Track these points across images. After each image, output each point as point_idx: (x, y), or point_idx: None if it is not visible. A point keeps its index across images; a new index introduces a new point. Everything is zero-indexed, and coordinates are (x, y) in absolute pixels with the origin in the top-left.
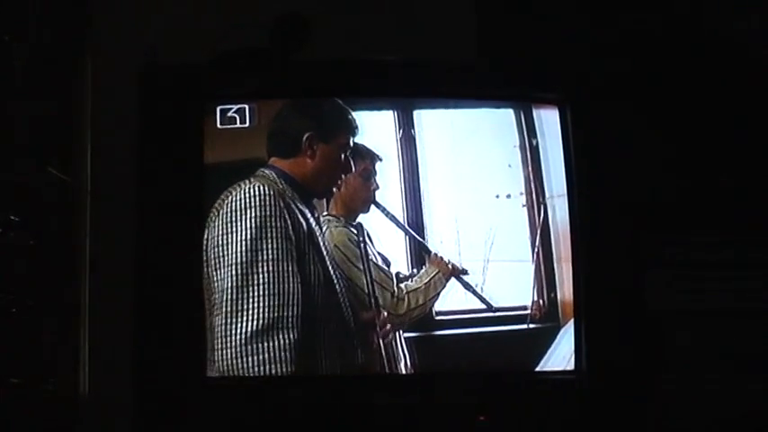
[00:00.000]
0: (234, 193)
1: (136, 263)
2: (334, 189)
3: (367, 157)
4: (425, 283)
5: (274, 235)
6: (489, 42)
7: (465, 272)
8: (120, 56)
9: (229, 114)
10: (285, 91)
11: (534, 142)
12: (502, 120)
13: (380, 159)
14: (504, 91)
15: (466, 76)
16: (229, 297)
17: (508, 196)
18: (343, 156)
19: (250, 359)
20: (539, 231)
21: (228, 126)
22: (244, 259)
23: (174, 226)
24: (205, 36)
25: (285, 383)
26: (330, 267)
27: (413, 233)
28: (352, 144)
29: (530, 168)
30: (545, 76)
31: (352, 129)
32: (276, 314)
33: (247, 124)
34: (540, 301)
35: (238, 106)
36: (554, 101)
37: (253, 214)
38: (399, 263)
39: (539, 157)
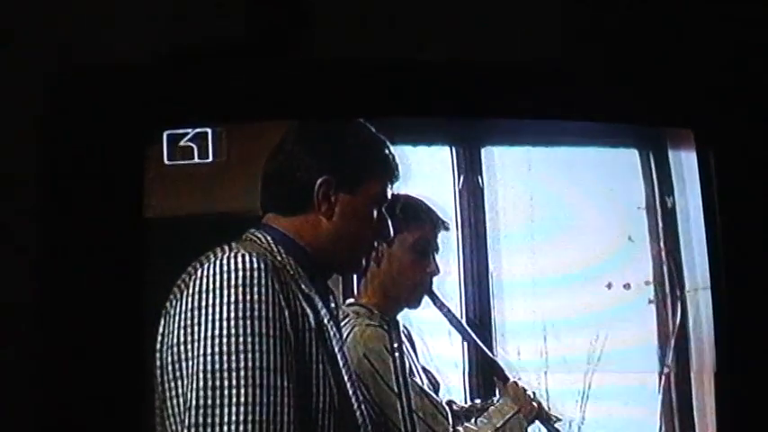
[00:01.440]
0: (206, 266)
1: (40, 380)
2: (363, 264)
3: (425, 220)
4: (497, 429)
5: (264, 331)
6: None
7: (557, 418)
8: (23, 54)
9: (183, 143)
10: (278, 108)
11: (670, 202)
12: (621, 165)
13: (447, 227)
14: (631, 117)
15: (567, 93)
16: (192, 422)
17: (627, 287)
18: (375, 212)
19: None
20: (672, 345)
21: (181, 162)
22: (215, 366)
23: (99, 319)
24: (150, 25)
25: None
26: (348, 385)
27: (476, 339)
28: (389, 194)
29: (662, 243)
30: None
31: (390, 171)
32: None
33: (210, 158)
34: None
35: (197, 131)
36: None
37: (232, 297)
38: (454, 387)
39: (676, 225)
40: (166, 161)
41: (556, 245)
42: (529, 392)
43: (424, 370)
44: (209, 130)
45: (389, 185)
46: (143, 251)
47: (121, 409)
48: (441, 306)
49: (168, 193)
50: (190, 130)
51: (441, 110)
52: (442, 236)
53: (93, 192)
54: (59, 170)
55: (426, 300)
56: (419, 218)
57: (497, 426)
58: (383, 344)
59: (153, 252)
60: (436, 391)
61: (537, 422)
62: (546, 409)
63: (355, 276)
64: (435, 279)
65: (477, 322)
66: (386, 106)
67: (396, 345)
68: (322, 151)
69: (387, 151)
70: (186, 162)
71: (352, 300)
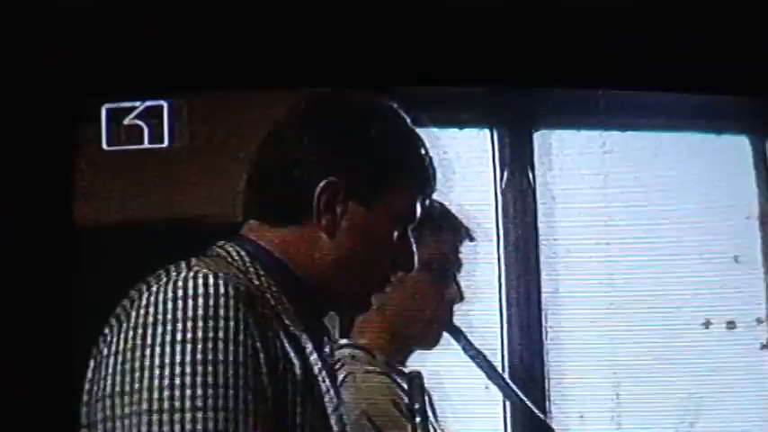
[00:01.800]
0: (153, 292)
1: None
2: (372, 303)
3: (445, 230)
4: None
5: (231, 382)
6: None
7: None
8: None
9: (128, 121)
10: (261, 73)
11: None
12: (725, 159)
13: (471, 238)
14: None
15: (656, 53)
16: None
17: (731, 325)
18: (397, 234)
19: None
20: None
21: (127, 147)
22: (162, 429)
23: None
24: None
25: None
26: None
27: (523, 398)
28: (419, 211)
29: None
30: None
31: (423, 178)
32: None
33: (165, 142)
34: None
35: (148, 105)
36: None
37: (189, 335)
38: None
39: None
40: (105, 146)
41: (634, 269)
42: None
43: None
44: (164, 104)
45: (420, 200)
46: (72, 269)
47: None
48: (467, 347)
49: (108, 191)
50: (138, 104)
51: (479, 76)
52: (467, 250)
53: (13, 184)
54: None
55: (447, 338)
56: (435, 226)
57: None
58: (390, 398)
59: (85, 270)
60: None
61: None
62: None
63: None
64: (459, 309)
65: (524, 372)
66: (404, 69)
67: (408, 400)
68: (332, 142)
69: (423, 152)
70: (133, 147)
71: (345, 340)
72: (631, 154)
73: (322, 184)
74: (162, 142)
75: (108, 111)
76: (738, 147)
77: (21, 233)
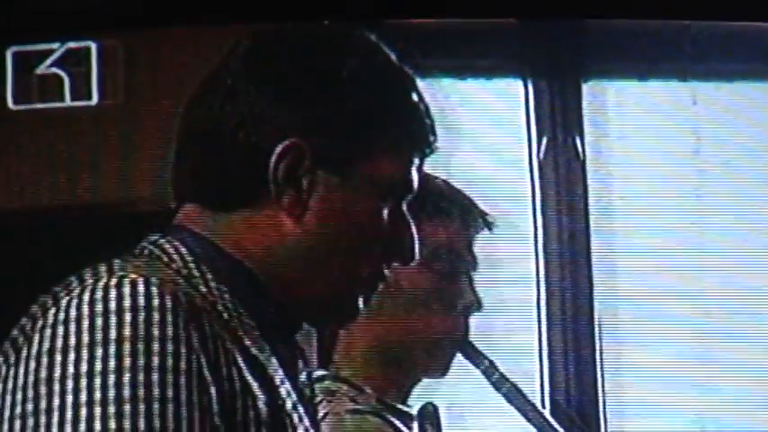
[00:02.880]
0: (62, 305)
1: None
2: (361, 306)
3: (452, 214)
4: None
5: (171, 426)
6: None
7: None
8: None
9: (43, 70)
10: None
11: None
12: None
13: (489, 225)
14: None
15: None
16: None
17: None
18: (388, 212)
19: None
20: None
21: (40, 105)
22: None
23: None
24: None
25: None
26: None
27: None
28: (416, 180)
29: None
30: None
31: (418, 134)
32: None
33: (94, 100)
34: None
35: (69, 46)
36: None
37: (111, 364)
38: None
39: None
40: (11, 104)
41: (714, 260)
42: None
43: None
44: (92, 45)
45: (416, 163)
46: None
47: None
48: (489, 370)
49: (9, 165)
50: (56, 45)
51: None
52: (483, 238)
53: None
54: None
55: (462, 362)
56: (439, 212)
57: None
58: None
59: None
60: None
61: None
62: None
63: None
64: (489, 325)
65: (571, 409)
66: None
67: None
68: (291, 93)
69: (415, 96)
70: (48, 106)
71: (323, 371)
72: (713, 111)
73: (279, 150)
74: (89, 98)
75: (15, 55)
76: None
77: None
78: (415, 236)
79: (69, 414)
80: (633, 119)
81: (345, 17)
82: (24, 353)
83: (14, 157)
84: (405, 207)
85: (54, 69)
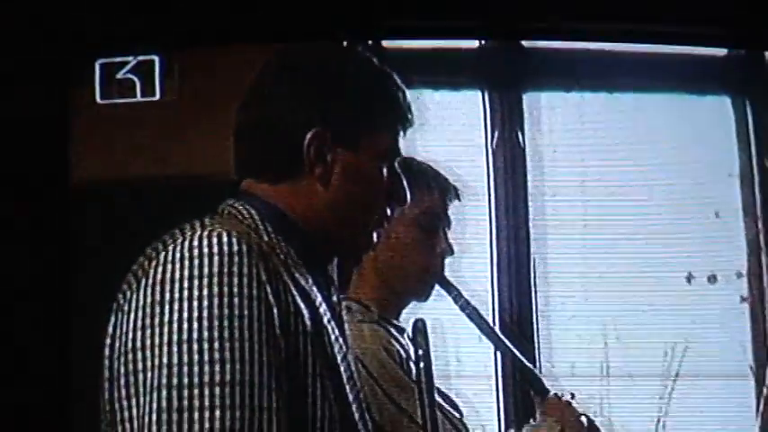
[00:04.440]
0: (170, 249)
1: None
2: (375, 239)
3: (432, 188)
4: None
5: (246, 335)
6: None
7: None
8: None
9: (121, 75)
10: (250, 30)
11: None
12: (707, 117)
13: (459, 195)
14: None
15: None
16: None
17: (713, 278)
18: (385, 171)
19: None
20: None
21: (119, 100)
22: (183, 380)
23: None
24: None
25: None
26: (354, 407)
27: (511, 347)
28: (401, 150)
29: (760, 223)
30: None
31: (402, 116)
32: None
33: (157, 97)
34: None
35: (139, 59)
36: None
37: (206, 290)
38: (482, 408)
39: None
40: (99, 99)
41: (618, 223)
42: (576, 409)
43: (441, 394)
44: (155, 58)
45: (401, 134)
46: (70, 225)
47: None
48: (457, 297)
49: (105, 146)
50: (130, 58)
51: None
52: (455, 206)
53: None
54: None
55: (439, 291)
56: (424, 185)
57: None
58: (381, 345)
59: (89, 229)
60: (460, 416)
61: None
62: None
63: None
64: (458, 265)
65: (514, 324)
66: (395, 23)
67: (398, 347)
68: (311, 94)
69: (396, 89)
70: (124, 100)
71: (342, 295)
72: (615, 116)
73: (309, 136)
74: (153, 96)
75: (101, 66)
76: (721, 108)
77: (20, 191)
78: (405, 185)
79: (176, 326)
80: (559, 119)
81: (346, 37)
82: (143, 282)
83: (101, 137)
84: (396, 165)
85: (129, 75)
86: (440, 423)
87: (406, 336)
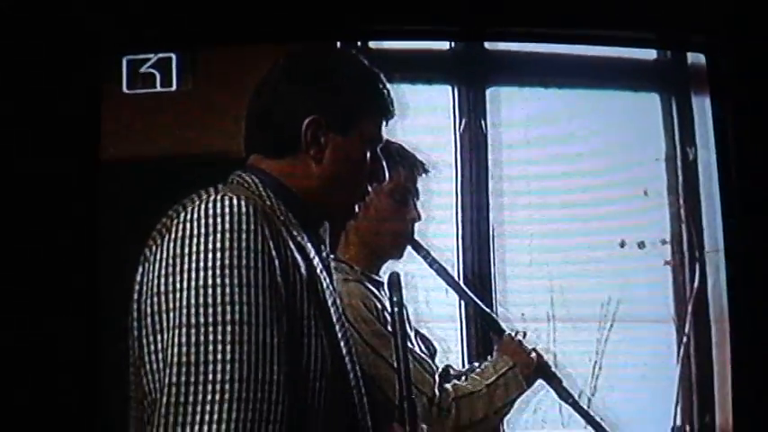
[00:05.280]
0: (189, 210)
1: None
2: (357, 210)
3: (402, 164)
4: (489, 385)
5: (252, 281)
6: None
7: (558, 373)
8: None
9: (144, 70)
10: (250, 31)
11: (692, 154)
12: (640, 111)
13: (426, 170)
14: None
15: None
16: (172, 381)
17: (641, 245)
18: (369, 154)
19: None
20: (690, 309)
21: (141, 90)
22: (199, 320)
23: (63, 268)
24: None
25: None
26: (343, 345)
27: (472, 296)
28: (384, 136)
29: (681, 200)
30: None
31: (385, 108)
32: (247, 415)
33: (174, 87)
34: (687, 428)
35: (159, 56)
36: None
37: (218, 245)
38: (450, 349)
39: (698, 180)
40: (125, 89)
41: (563, 197)
42: (527, 346)
43: (419, 334)
44: (173, 55)
45: (384, 124)
46: (101, 194)
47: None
48: (426, 256)
49: (130, 129)
50: (151, 55)
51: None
52: (423, 180)
53: (48, 125)
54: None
55: (411, 251)
56: (397, 163)
57: (489, 382)
58: (361, 300)
59: (118, 195)
60: (431, 355)
61: (540, 379)
62: (549, 366)
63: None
64: (428, 229)
65: (476, 277)
66: (378, 24)
67: (376, 301)
68: (310, 88)
69: (381, 86)
70: (147, 90)
71: (332, 254)
72: (562, 108)
73: (307, 122)
74: (170, 86)
75: (128, 62)
76: (650, 102)
77: (59, 166)
78: (385, 166)
79: (194, 273)
80: (517, 110)
81: (340, 40)
82: (167, 237)
83: (127, 121)
84: (378, 150)
85: (150, 69)
86: (411, 366)
87: (383, 289)
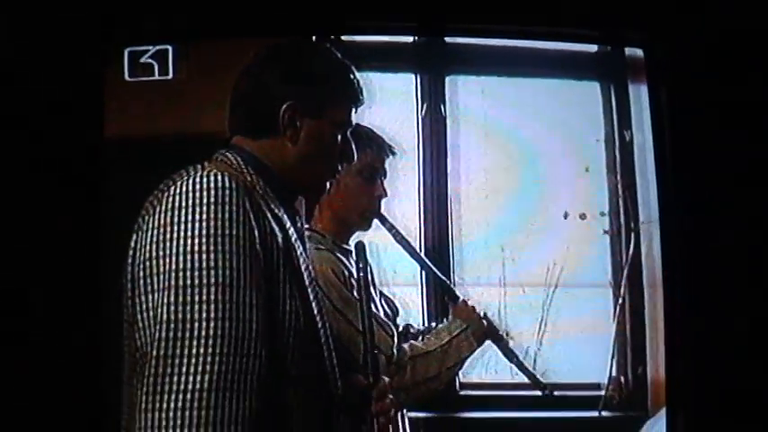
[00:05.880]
0: (178, 184)
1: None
2: (328, 186)
3: (371, 147)
4: (443, 345)
5: (234, 248)
6: None
7: (506, 334)
8: None
9: (144, 60)
10: (232, 23)
11: (628, 136)
12: (582, 97)
13: (393, 152)
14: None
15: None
16: (161, 336)
17: (582, 217)
18: (340, 137)
19: None
20: (625, 274)
21: (142, 78)
22: (186, 282)
23: (67, 234)
24: None
25: None
26: (314, 305)
27: (431, 266)
28: (353, 121)
29: (619, 176)
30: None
31: (354, 96)
32: (228, 367)
33: (170, 76)
34: (622, 379)
35: (158, 48)
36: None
37: (204, 215)
38: (411, 310)
39: (633, 159)
40: (127, 77)
41: (518, 174)
42: (479, 311)
43: (383, 296)
44: (169, 47)
45: (354, 110)
46: (105, 168)
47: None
48: (390, 228)
49: (130, 112)
50: (150, 47)
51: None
52: (390, 161)
53: (57, 109)
54: (23, 94)
55: (377, 224)
56: (366, 145)
57: (443, 342)
58: (331, 267)
59: (119, 170)
60: (393, 315)
61: (490, 342)
62: (499, 329)
63: (311, 203)
64: (393, 204)
65: (435, 247)
66: (350, 20)
67: (358, 269)
68: (288, 77)
69: (352, 76)
70: (145, 78)
71: (306, 225)
72: (512, 95)
73: (284, 107)
74: (167, 75)
75: (129, 53)
76: (592, 90)
77: (66, 144)
78: (354, 148)
79: (182, 241)
80: (473, 95)
81: (314, 33)
82: (158, 209)
83: (128, 105)
84: (348, 134)
85: (149, 60)
86: (375, 329)
87: (351, 257)
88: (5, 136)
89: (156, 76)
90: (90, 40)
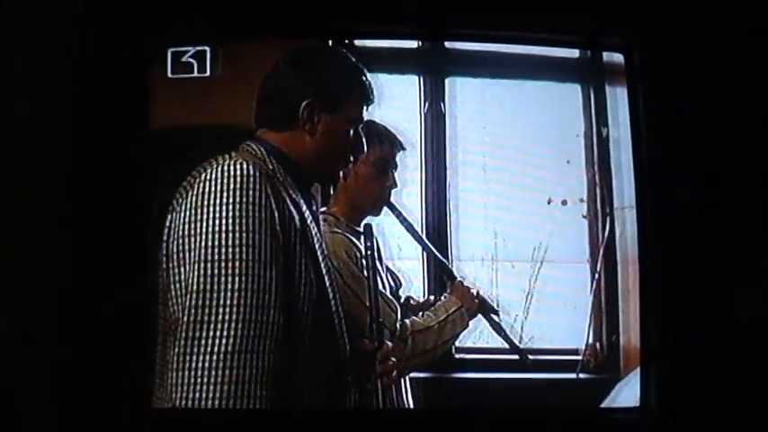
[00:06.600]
0: (208, 171)
1: (75, 263)
2: (340, 176)
3: (385, 142)
4: (440, 322)
5: (256, 228)
6: None
7: (494, 311)
8: None
9: (185, 59)
10: (260, 26)
11: (605, 132)
12: (564, 98)
13: (403, 147)
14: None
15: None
16: (192, 304)
17: (564, 203)
18: (352, 131)
19: (212, 389)
20: (601, 253)
21: (183, 75)
22: (214, 257)
23: (114, 214)
24: None
25: (254, 421)
26: (326, 279)
27: (432, 248)
28: (364, 117)
29: (596, 167)
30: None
31: (366, 96)
32: (250, 332)
33: (208, 73)
34: (597, 345)
35: (197, 49)
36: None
37: (230, 199)
38: (413, 283)
39: (608, 153)
40: (170, 74)
41: (505, 165)
42: (473, 291)
43: (389, 270)
44: (207, 48)
45: (365, 108)
46: (148, 156)
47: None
48: (398, 215)
49: (172, 106)
50: (190, 48)
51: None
52: (401, 155)
53: (108, 105)
54: (75, 90)
55: (386, 211)
56: (381, 140)
57: (440, 319)
58: (347, 249)
59: (160, 157)
60: (397, 288)
61: (480, 316)
62: (489, 305)
63: (327, 189)
64: (400, 193)
65: (436, 231)
66: (362, 26)
67: (367, 250)
68: (308, 76)
69: (364, 78)
70: (187, 75)
71: (324, 208)
72: (505, 96)
73: (304, 104)
74: (204, 72)
75: (172, 53)
76: (573, 91)
77: (115, 135)
78: (364, 142)
79: (210, 222)
80: (469, 96)
81: (331, 38)
82: (190, 193)
83: (170, 100)
84: (359, 129)
85: (189, 59)
86: (381, 305)
87: (361, 238)
88: (66, 126)
89: (195, 74)
90: (138, 42)
